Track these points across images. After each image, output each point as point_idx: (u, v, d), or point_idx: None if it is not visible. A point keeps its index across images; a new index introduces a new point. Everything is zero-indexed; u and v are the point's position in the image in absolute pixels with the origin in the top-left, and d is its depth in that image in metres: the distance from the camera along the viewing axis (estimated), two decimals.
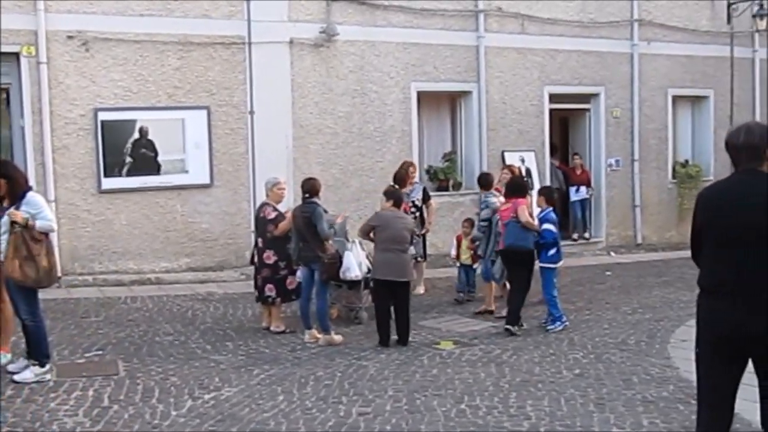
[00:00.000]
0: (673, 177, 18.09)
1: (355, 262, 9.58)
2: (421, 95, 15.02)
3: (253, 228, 10.65)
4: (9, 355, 7.77)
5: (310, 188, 9.19)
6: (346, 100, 14.25)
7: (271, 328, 9.50)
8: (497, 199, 10.42)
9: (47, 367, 7.43)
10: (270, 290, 9.47)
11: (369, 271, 9.60)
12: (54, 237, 11.92)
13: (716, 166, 17.79)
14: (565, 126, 17.98)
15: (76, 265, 12.41)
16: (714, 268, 4.19)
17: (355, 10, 14.26)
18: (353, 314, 10.17)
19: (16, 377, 7.29)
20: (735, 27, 18.22)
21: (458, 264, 11.46)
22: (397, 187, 11.13)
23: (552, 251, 9.66)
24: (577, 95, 16.86)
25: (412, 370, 7.83)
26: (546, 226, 9.62)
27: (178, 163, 13.07)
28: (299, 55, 13.84)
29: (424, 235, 11.71)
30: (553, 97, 16.38)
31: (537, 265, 9.73)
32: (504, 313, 9.84)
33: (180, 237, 13.06)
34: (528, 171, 15.55)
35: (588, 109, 17.20)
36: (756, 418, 4.30)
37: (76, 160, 12.37)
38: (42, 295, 7.63)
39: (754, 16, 18.01)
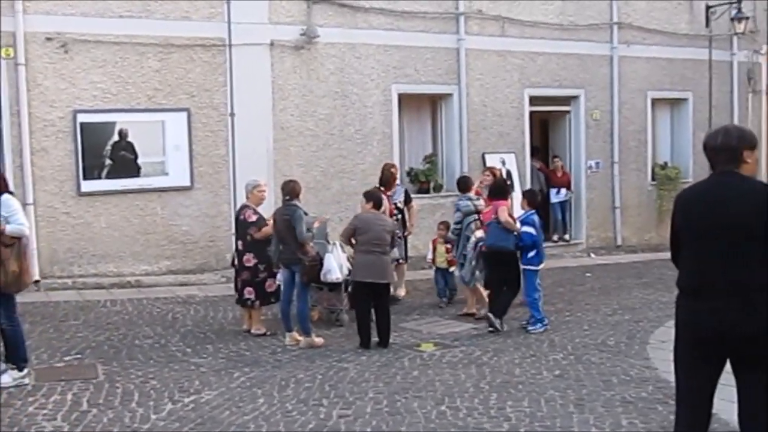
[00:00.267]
0: (653, 179, 18.19)
1: (336, 264, 9.56)
2: (401, 97, 15.04)
3: (233, 230, 10.62)
4: None
5: (290, 190, 9.18)
6: (327, 103, 14.24)
7: (252, 331, 9.47)
8: (470, 203, 10.47)
9: (25, 371, 7.37)
10: (249, 293, 9.45)
11: (350, 273, 9.60)
12: (33, 240, 11.88)
13: (695, 168, 17.91)
14: (545, 128, 18.05)
15: (55, 268, 12.33)
16: (693, 269, 4.22)
17: (336, 12, 14.26)
18: (334, 316, 10.16)
19: None
20: (713, 30, 18.36)
21: (434, 268, 11.42)
22: (383, 189, 11.19)
23: (532, 253, 9.70)
24: (557, 98, 16.94)
25: (393, 372, 7.84)
26: (525, 228, 9.67)
27: (158, 165, 13.00)
28: (280, 57, 13.82)
29: (405, 237, 11.72)
30: (534, 100, 16.44)
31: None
32: (482, 313, 10.00)
33: (160, 239, 13.00)
34: (508, 173, 15.59)
35: (568, 112, 17.28)
36: (733, 417, 4.33)
37: (55, 163, 12.29)
38: (20, 298, 7.58)
39: (732, 20, 18.17)
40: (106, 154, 12.62)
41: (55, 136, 12.27)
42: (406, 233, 11.70)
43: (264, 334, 9.39)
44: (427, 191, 15.30)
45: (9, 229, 7.03)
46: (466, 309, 10.51)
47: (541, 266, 9.89)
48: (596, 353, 8.51)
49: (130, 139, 12.73)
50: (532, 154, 16.92)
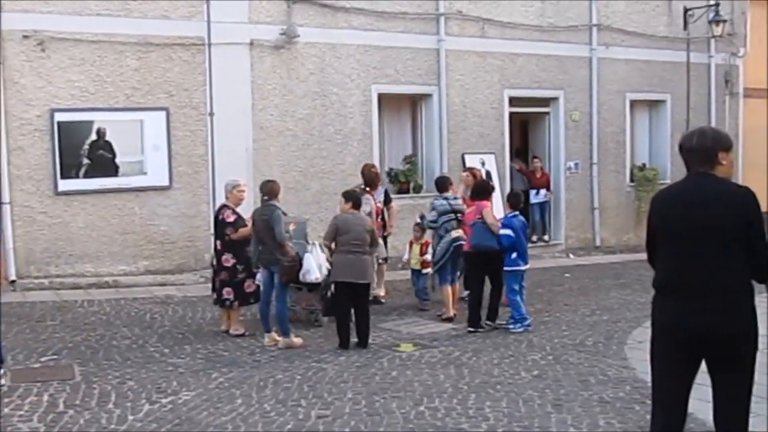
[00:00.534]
0: (631, 180, 18.30)
1: (315, 265, 9.53)
2: (381, 98, 15.04)
3: (212, 231, 10.57)
4: None
5: (268, 191, 9.16)
6: (307, 103, 14.21)
7: (230, 332, 9.43)
8: (446, 202, 10.49)
9: (1, 371, 7.30)
10: (228, 293, 9.41)
11: (329, 274, 9.58)
12: (9, 240, 11.81)
13: (673, 170, 18.02)
14: (524, 129, 18.11)
15: (32, 268, 12.23)
16: (670, 269, 4.24)
17: (316, 12, 14.24)
18: (313, 317, 10.13)
19: None
20: (691, 33, 18.48)
21: (411, 269, 11.39)
22: (367, 189, 11.21)
23: (513, 255, 9.73)
24: (537, 99, 17.00)
25: (372, 372, 7.83)
26: (503, 231, 9.70)
27: (136, 164, 12.93)
28: (259, 56, 13.78)
29: (385, 238, 11.72)
30: (513, 101, 16.49)
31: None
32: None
33: (138, 239, 12.93)
34: (488, 174, 15.62)
35: (547, 113, 17.34)
36: (709, 417, 4.36)
37: (32, 162, 12.19)
38: None
39: (710, 22, 18.31)
40: (83, 154, 12.54)
41: (32, 135, 12.18)
42: (385, 233, 11.70)
43: (242, 335, 9.36)
44: (407, 192, 15.31)
45: None
46: (445, 311, 10.45)
47: (524, 268, 9.87)
48: (574, 353, 8.55)
49: (108, 138, 12.65)
50: (516, 156, 16.97)
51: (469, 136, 15.94)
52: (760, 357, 4.26)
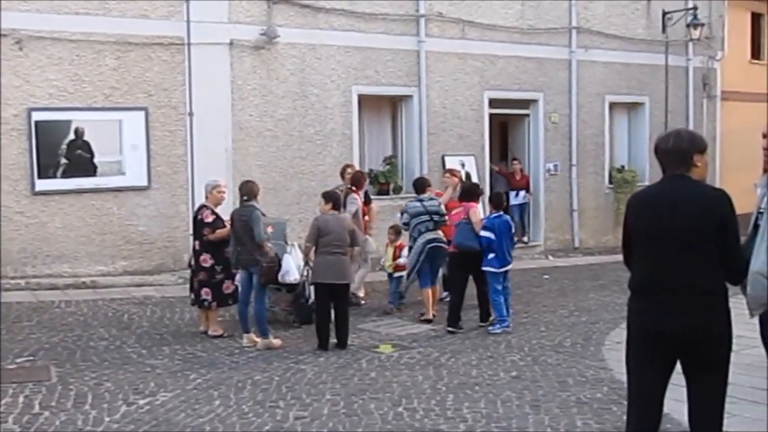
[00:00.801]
0: (610, 182, 18.41)
1: (294, 266, 9.53)
2: (362, 99, 15.04)
3: (191, 231, 10.53)
4: None
5: (248, 191, 9.13)
6: (287, 103, 14.19)
7: (209, 332, 9.40)
8: (420, 204, 10.50)
9: None
10: (206, 294, 9.36)
11: (308, 274, 9.56)
12: None
13: (651, 172, 18.14)
14: (504, 131, 18.17)
15: (9, 268, 12.12)
16: (645, 271, 4.26)
17: (297, 13, 14.22)
18: (292, 318, 10.11)
19: None
20: (670, 36, 18.65)
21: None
22: (354, 189, 11.23)
23: (491, 255, 9.75)
24: (517, 100, 17.06)
25: (351, 373, 7.83)
26: (483, 232, 9.73)
27: (114, 164, 12.86)
28: (239, 56, 13.75)
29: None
30: (493, 102, 16.54)
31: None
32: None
33: (116, 240, 12.85)
34: (468, 175, 15.65)
35: (527, 115, 17.42)
36: (685, 418, 4.39)
37: (9, 161, 12.09)
38: None
39: (688, 26, 18.49)
40: (61, 153, 12.45)
41: (9, 134, 12.08)
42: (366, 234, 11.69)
43: (221, 336, 9.32)
44: (386, 193, 15.32)
45: None
46: (424, 312, 10.45)
47: (499, 270, 9.80)
48: (553, 354, 8.58)
49: (86, 138, 12.58)
50: (501, 158, 17.03)
51: (449, 137, 15.98)
52: (734, 358, 4.30)
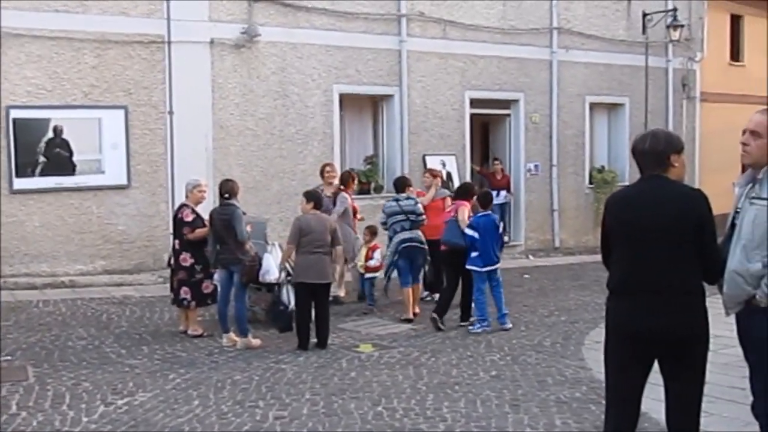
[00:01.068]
0: (590, 182, 18.49)
1: (275, 265, 9.50)
2: (343, 98, 15.03)
3: (171, 230, 10.48)
4: None
5: (229, 190, 9.11)
6: (268, 102, 14.15)
7: (188, 332, 9.36)
8: (396, 204, 10.55)
9: None
10: (185, 293, 9.32)
11: (289, 274, 9.54)
12: None
13: (631, 172, 18.20)
14: (485, 131, 18.20)
15: None
16: (624, 271, 4.28)
17: (278, 12, 14.18)
18: (271, 317, 10.06)
19: None
20: (650, 37, 18.75)
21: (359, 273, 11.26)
22: (342, 188, 11.26)
23: (474, 254, 9.79)
24: (498, 101, 17.10)
25: (331, 373, 7.81)
26: (468, 230, 9.79)
27: (94, 163, 12.78)
28: (220, 55, 13.69)
29: None
30: (474, 102, 16.57)
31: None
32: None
33: (95, 239, 12.77)
34: (449, 175, 15.69)
35: (508, 115, 17.46)
36: (663, 417, 4.41)
37: None
38: None
39: (668, 27, 18.60)
40: (40, 152, 12.36)
41: None
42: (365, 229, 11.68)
43: (200, 335, 9.29)
44: (367, 192, 15.30)
45: None
46: (404, 311, 10.45)
47: (482, 269, 9.83)
48: (532, 354, 8.61)
49: (65, 136, 12.49)
50: (482, 158, 17.06)
51: (430, 137, 15.99)
52: (712, 357, 4.32)
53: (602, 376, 4.56)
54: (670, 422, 4.28)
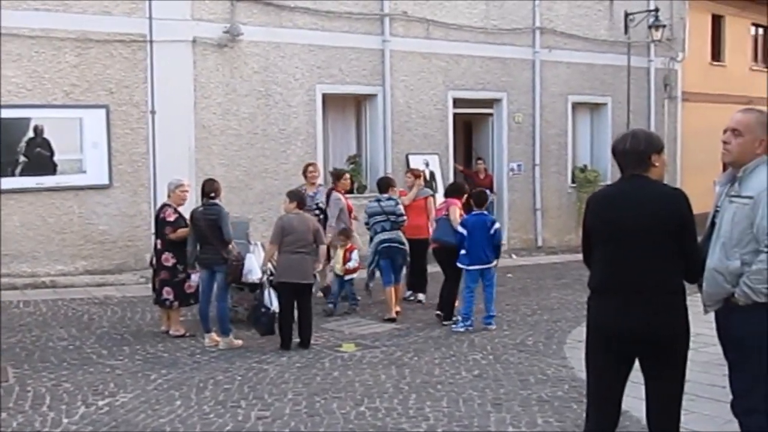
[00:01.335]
0: (573, 181, 18.55)
1: (257, 265, 9.48)
2: (326, 98, 15.01)
3: (153, 230, 10.43)
4: None
5: (213, 189, 9.08)
6: (250, 102, 14.11)
7: (170, 332, 9.31)
8: (378, 204, 10.57)
9: None
10: (168, 293, 9.28)
11: (272, 274, 9.51)
12: None
13: (613, 171, 18.14)
14: (468, 130, 18.23)
15: None
16: (605, 270, 4.29)
17: (260, 11, 14.14)
18: (251, 317, 10.03)
19: None
20: (632, 37, 18.84)
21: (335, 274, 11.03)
22: (335, 187, 11.30)
23: (462, 252, 9.83)
24: (481, 100, 17.12)
25: (313, 372, 7.80)
26: (460, 228, 9.86)
27: (75, 163, 12.70)
28: (202, 54, 13.64)
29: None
30: (457, 102, 16.59)
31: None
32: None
33: (77, 239, 12.69)
34: (432, 174, 15.70)
35: (491, 114, 17.49)
36: (644, 416, 4.42)
37: None
38: None
39: (649, 27, 18.69)
40: (20, 151, 12.27)
41: None
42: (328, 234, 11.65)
43: (183, 336, 9.25)
44: (350, 192, 15.24)
45: None
46: (387, 311, 10.44)
47: (469, 267, 9.83)
48: (515, 353, 8.62)
49: (46, 135, 12.42)
50: (465, 158, 17.08)
51: (414, 136, 16.00)
52: (692, 355, 4.34)
53: (584, 375, 4.57)
54: (651, 421, 4.29)
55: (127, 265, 13.01)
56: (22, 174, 12.27)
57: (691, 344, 4.27)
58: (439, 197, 14.14)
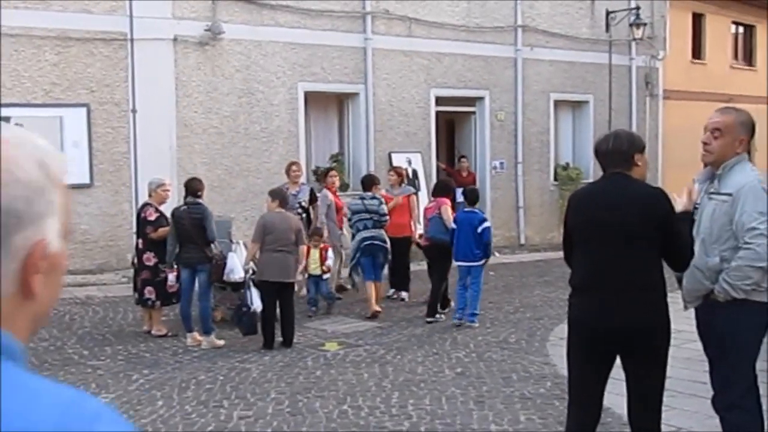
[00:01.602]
0: (555, 179, 18.59)
1: (239, 264, 9.45)
2: (308, 96, 14.98)
3: (134, 229, 10.37)
4: None
5: (196, 188, 9.07)
6: (232, 100, 14.07)
7: (152, 332, 9.27)
8: (361, 202, 10.66)
9: None
10: (150, 293, 9.24)
11: (253, 273, 9.48)
12: None
13: (596, 169, 18.10)
14: (451, 128, 18.24)
15: None
16: (586, 267, 4.31)
17: (242, 9, 14.10)
18: (234, 317, 9.99)
19: None
20: (613, 35, 18.90)
21: (307, 275, 10.69)
22: (324, 184, 11.34)
23: (453, 249, 9.93)
24: (463, 98, 17.13)
25: (296, 372, 7.79)
26: (453, 225, 9.93)
27: None
28: (184, 53, 13.58)
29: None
30: (440, 100, 16.60)
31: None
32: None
33: None
34: (414, 172, 15.71)
35: (473, 112, 17.50)
36: (625, 412, 4.45)
37: None
38: None
39: (631, 25, 18.75)
40: None
41: None
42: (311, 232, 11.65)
43: (165, 335, 9.21)
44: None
45: None
46: (369, 308, 10.42)
47: (458, 263, 9.99)
48: (498, 351, 8.64)
49: None
50: (448, 156, 17.11)
51: (396, 135, 15.99)
52: (673, 352, 4.36)
53: (566, 372, 4.59)
54: (632, 417, 4.31)
55: (108, 264, 12.94)
56: None
57: (672, 341, 4.29)
58: (422, 195, 14.26)
